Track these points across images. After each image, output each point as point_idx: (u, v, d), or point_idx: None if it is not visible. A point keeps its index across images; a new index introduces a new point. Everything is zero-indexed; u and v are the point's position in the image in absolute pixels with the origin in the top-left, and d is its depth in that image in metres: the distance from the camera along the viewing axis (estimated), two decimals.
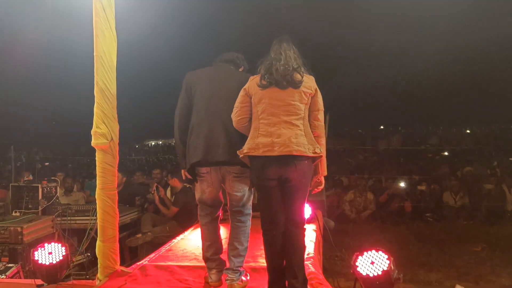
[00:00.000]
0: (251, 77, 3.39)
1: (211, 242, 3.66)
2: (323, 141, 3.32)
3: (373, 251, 3.22)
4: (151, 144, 34.42)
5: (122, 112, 3.95)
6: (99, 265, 3.93)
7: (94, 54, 3.76)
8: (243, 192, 3.56)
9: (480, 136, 20.59)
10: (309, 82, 3.30)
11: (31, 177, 8.50)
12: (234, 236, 3.61)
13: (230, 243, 3.60)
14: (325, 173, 3.36)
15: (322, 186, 3.41)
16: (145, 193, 7.72)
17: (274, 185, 3.21)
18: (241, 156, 3.27)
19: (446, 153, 16.98)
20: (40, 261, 3.67)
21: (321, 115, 3.33)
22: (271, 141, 3.15)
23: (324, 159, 3.32)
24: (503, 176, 11.52)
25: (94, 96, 3.77)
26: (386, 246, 4.89)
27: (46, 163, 18.25)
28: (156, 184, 7.33)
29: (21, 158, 14.82)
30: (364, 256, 3.21)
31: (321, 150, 3.24)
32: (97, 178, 3.86)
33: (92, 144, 3.75)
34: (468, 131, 22.35)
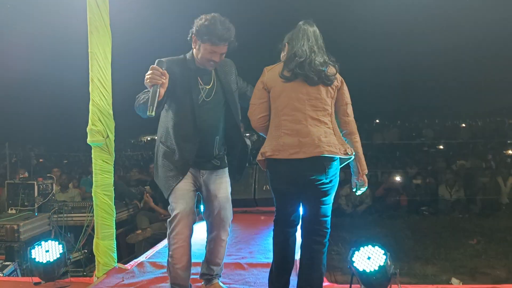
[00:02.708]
0: (267, 68, 3.00)
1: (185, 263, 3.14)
2: (357, 137, 2.97)
3: (370, 246, 3.22)
4: (146, 140, 34.35)
5: (117, 107, 3.93)
6: (96, 262, 3.93)
7: (89, 50, 3.75)
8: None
9: (475, 129, 20.66)
10: (335, 72, 2.93)
11: (26, 174, 8.50)
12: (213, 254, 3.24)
13: (207, 260, 3.27)
14: (366, 170, 3.01)
15: (366, 185, 3.04)
16: (133, 196, 7.55)
17: (297, 190, 2.87)
18: (260, 159, 2.92)
19: (441, 147, 17.03)
20: (37, 259, 3.66)
21: (350, 109, 2.95)
22: (298, 141, 2.77)
23: (362, 157, 2.98)
24: (498, 169, 11.57)
25: (89, 93, 3.76)
26: (382, 240, 4.92)
27: (41, 160, 18.20)
28: (146, 193, 7.24)
29: (16, 154, 14.76)
30: (360, 251, 3.21)
31: (352, 150, 2.89)
32: (93, 175, 3.85)
33: (88, 142, 3.74)
34: (463, 125, 22.42)
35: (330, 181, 2.84)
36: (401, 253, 6.44)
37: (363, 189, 3.05)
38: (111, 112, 3.84)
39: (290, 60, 2.86)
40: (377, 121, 25.57)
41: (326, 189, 2.84)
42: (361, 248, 3.22)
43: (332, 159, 2.81)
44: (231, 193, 3.23)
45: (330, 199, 2.90)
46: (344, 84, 2.94)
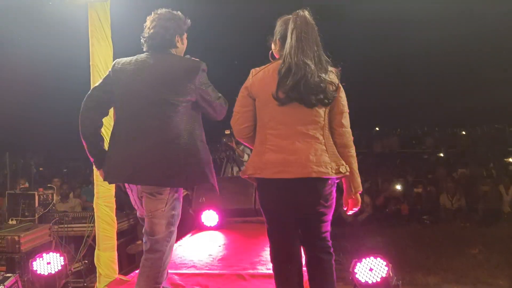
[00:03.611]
0: (254, 71, 2.68)
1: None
2: (353, 151, 2.65)
3: (372, 257, 3.22)
4: None
5: None
6: (97, 274, 3.92)
7: (90, 63, 3.77)
8: (154, 216, 2.85)
9: (475, 137, 20.65)
10: (331, 77, 2.59)
11: (27, 185, 8.49)
12: (137, 281, 2.91)
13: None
14: (360, 189, 2.70)
15: (359, 205, 2.76)
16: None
17: (288, 212, 2.61)
18: (243, 177, 2.69)
19: (441, 155, 17.02)
20: (38, 272, 3.66)
21: (346, 119, 2.63)
22: (284, 159, 2.49)
23: (356, 173, 2.67)
24: (499, 177, 11.55)
25: None
26: (383, 249, 4.91)
27: (41, 168, 18.20)
28: None
29: (16, 163, 14.77)
30: (362, 263, 3.22)
31: (348, 166, 2.59)
32: (95, 187, 3.86)
33: None
34: (463, 132, 22.40)
35: (327, 201, 2.59)
36: (403, 263, 6.40)
37: (355, 209, 2.78)
38: (112, 123, 3.84)
39: (285, 76, 2.50)
40: (377, 129, 25.55)
41: (323, 210, 2.60)
42: (363, 260, 3.22)
43: (323, 180, 2.53)
44: (232, 203, 3.19)
45: (330, 216, 2.67)
46: (341, 90, 2.62)
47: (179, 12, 2.99)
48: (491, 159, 14.64)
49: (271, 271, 3.10)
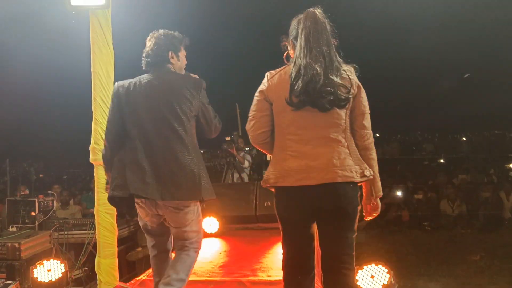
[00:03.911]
0: (269, 74, 2.56)
1: (160, 279, 3.08)
2: (374, 154, 2.52)
3: (373, 264, 3.21)
4: None
5: None
6: (98, 281, 3.91)
7: (92, 70, 3.77)
8: (185, 226, 3.02)
9: (476, 143, 20.65)
10: (350, 76, 2.46)
11: (27, 191, 8.49)
12: (171, 264, 3.09)
13: (165, 272, 3.06)
14: (380, 193, 2.57)
15: (379, 210, 2.62)
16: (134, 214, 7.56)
17: (308, 221, 2.47)
18: (264, 186, 2.56)
19: (442, 161, 17.02)
20: (39, 279, 3.66)
21: (367, 121, 2.51)
22: (306, 165, 2.36)
23: (377, 177, 2.53)
24: (500, 183, 11.54)
25: (91, 112, 3.77)
26: (384, 256, 4.89)
27: (41, 175, 18.21)
28: None
29: (16, 170, 14.78)
30: (364, 270, 3.21)
31: (371, 170, 2.46)
32: (96, 194, 3.85)
33: (90, 160, 3.75)
34: (463, 138, 22.43)
35: (349, 209, 2.41)
36: (404, 270, 6.38)
37: (374, 215, 2.63)
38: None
39: (296, 79, 2.40)
40: (377, 135, 25.57)
41: (345, 218, 2.42)
42: (365, 267, 3.21)
43: (348, 184, 2.38)
44: (233, 210, 3.25)
45: (352, 229, 2.46)
46: (362, 90, 2.51)
47: (176, 32, 3.10)
48: (492, 165, 14.62)
49: (272, 278, 3.09)
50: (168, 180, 2.85)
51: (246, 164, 8.46)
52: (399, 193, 10.83)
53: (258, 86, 2.60)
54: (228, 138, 7.77)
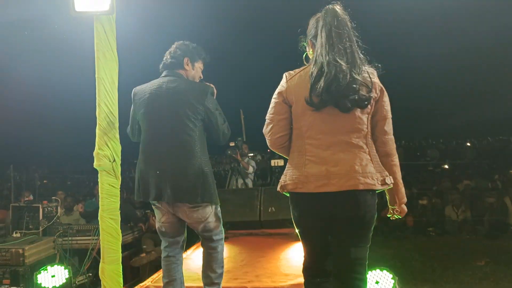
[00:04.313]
0: (288, 75, 2.46)
1: (169, 280, 3.28)
2: (396, 160, 2.46)
3: (378, 270, 3.20)
4: None
5: (121, 128, 3.94)
6: (102, 287, 3.88)
7: (96, 76, 3.76)
8: (207, 219, 3.18)
9: (480, 148, 20.59)
10: (372, 77, 2.36)
11: (31, 197, 8.50)
12: (205, 265, 3.28)
13: (203, 272, 3.29)
14: (405, 199, 2.53)
15: (403, 215, 2.58)
16: (138, 220, 7.54)
17: (326, 228, 2.40)
18: (282, 192, 2.48)
19: (446, 167, 16.97)
20: (43, 285, 3.65)
21: (389, 126, 2.42)
22: (326, 171, 2.28)
23: (400, 184, 2.49)
24: (505, 189, 11.49)
25: (95, 118, 3.77)
26: (389, 262, 4.87)
27: (45, 181, 18.26)
28: (152, 217, 7.20)
29: (20, 176, 14.81)
30: (368, 275, 3.19)
31: (392, 177, 2.40)
32: (100, 199, 3.83)
33: (94, 166, 3.73)
34: (468, 144, 22.36)
35: (367, 218, 2.36)
36: (409, 275, 6.36)
37: (399, 217, 2.60)
38: (118, 136, 3.84)
39: (318, 78, 2.30)
40: None
41: (363, 227, 2.38)
42: (369, 272, 3.20)
43: (368, 192, 2.31)
44: (237, 215, 3.37)
45: (367, 239, 2.43)
46: (385, 94, 2.40)
47: (201, 47, 3.34)
48: (496, 170, 14.56)
49: (276, 284, 3.08)
50: (177, 183, 3.00)
51: (251, 169, 8.46)
52: None
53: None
54: (232, 144, 7.78)
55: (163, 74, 3.25)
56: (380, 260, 4.91)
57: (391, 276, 3.13)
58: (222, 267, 3.29)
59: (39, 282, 3.66)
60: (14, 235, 5.75)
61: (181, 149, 3.03)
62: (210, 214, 3.19)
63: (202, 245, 3.31)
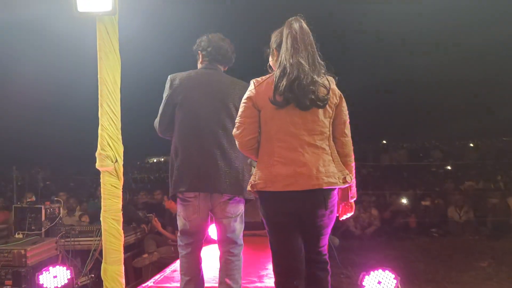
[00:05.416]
0: (256, 82, 2.66)
1: (190, 277, 3.22)
2: (352, 159, 2.70)
3: (380, 270, 3.19)
4: (152, 162, 34.31)
5: (124, 128, 3.93)
6: None
7: (98, 76, 3.77)
8: (236, 217, 3.22)
9: (483, 149, 20.53)
10: (331, 84, 2.60)
11: (33, 198, 8.50)
12: (226, 273, 3.17)
13: (221, 281, 3.19)
14: (355, 197, 2.76)
15: (352, 212, 2.81)
16: (141, 220, 7.52)
17: (294, 224, 2.57)
18: (251, 191, 2.68)
19: (449, 167, 16.93)
20: (45, 286, 3.65)
21: (348, 129, 2.67)
22: (293, 172, 2.48)
23: (354, 182, 2.72)
24: (508, 190, 11.47)
25: (98, 118, 3.77)
26: (392, 263, 4.86)
27: (48, 182, 18.28)
28: (154, 218, 7.17)
29: (22, 177, 14.84)
30: (371, 275, 3.18)
31: (351, 176, 2.64)
32: (102, 200, 3.84)
33: (97, 166, 3.74)
34: (471, 145, 22.30)
35: (331, 212, 2.60)
36: (412, 276, 6.34)
37: (348, 215, 2.82)
38: (120, 137, 3.84)
39: (281, 78, 2.52)
40: (384, 142, 25.47)
41: (327, 220, 2.61)
42: (372, 273, 3.19)
43: (331, 190, 2.56)
44: None
45: (330, 229, 2.67)
46: (343, 100, 2.64)
47: None
48: (499, 171, 14.53)
49: None
50: (216, 175, 3.05)
51: (253, 170, 8.43)
52: (406, 200, 10.78)
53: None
54: None
55: (208, 68, 3.31)
56: (382, 260, 4.91)
57: (393, 276, 3.12)
58: (241, 277, 3.24)
59: (41, 283, 3.65)
60: (17, 236, 5.74)
61: (226, 139, 3.07)
62: (241, 212, 3.23)
63: (223, 253, 3.25)
